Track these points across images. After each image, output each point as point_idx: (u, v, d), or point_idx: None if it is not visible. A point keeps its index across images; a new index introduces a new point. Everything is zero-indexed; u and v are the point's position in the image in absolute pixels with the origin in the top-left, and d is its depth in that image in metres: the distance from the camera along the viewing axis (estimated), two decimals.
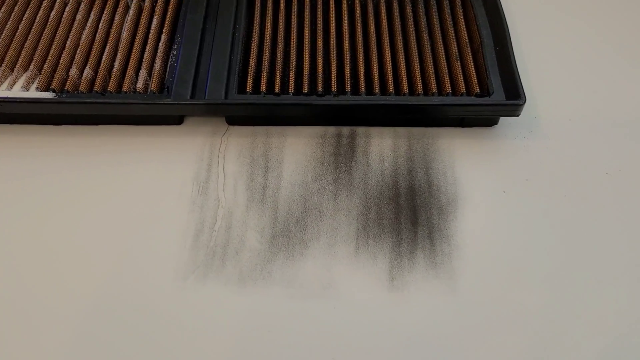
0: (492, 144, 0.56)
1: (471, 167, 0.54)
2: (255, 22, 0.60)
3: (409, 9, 0.62)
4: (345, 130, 0.57)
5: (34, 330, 0.45)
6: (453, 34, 0.60)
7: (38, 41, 0.58)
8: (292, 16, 0.61)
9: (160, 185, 0.52)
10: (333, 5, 0.62)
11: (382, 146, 0.55)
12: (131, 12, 0.61)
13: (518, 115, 0.53)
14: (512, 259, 0.49)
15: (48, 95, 0.53)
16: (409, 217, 0.51)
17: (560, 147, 0.56)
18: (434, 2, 0.63)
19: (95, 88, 0.55)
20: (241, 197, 0.52)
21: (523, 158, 0.55)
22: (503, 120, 0.57)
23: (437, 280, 0.47)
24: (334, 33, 0.60)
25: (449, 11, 0.62)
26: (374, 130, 0.57)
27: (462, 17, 0.61)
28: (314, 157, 0.55)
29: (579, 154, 0.55)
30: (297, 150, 0.55)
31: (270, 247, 0.49)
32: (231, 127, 0.57)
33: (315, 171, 0.54)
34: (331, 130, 0.57)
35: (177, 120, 0.56)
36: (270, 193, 0.52)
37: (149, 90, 0.55)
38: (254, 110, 0.53)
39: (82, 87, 0.54)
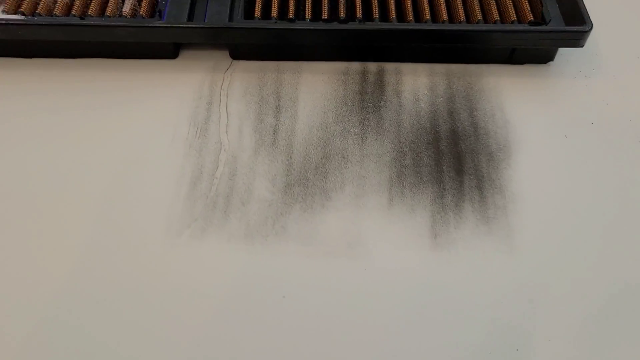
0: (548, 83, 0.47)
1: (525, 108, 0.45)
2: None
3: None
4: (372, 66, 0.47)
5: (16, 286, 0.36)
6: None
7: None
8: None
9: (151, 126, 0.43)
10: None
11: (416, 84, 0.46)
12: None
13: (582, 46, 0.44)
14: (577, 214, 0.40)
15: (16, 17, 0.44)
16: (453, 164, 0.42)
17: (629, 87, 0.46)
18: None
19: (73, 11, 0.45)
20: (248, 140, 0.43)
21: (586, 99, 0.46)
22: (559, 56, 0.48)
23: (490, 237, 0.38)
24: None
25: None
26: (406, 67, 0.47)
27: None
28: (335, 96, 0.45)
29: None
30: (314, 89, 0.46)
31: (284, 198, 0.40)
32: (235, 61, 0.48)
33: (337, 112, 0.44)
34: (355, 66, 0.47)
35: (172, 52, 0.47)
36: (283, 136, 0.43)
37: (137, 14, 0.45)
38: (263, 36, 0.44)
39: (57, 10, 0.45)
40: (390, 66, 0.47)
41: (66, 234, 0.38)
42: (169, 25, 0.43)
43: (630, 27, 0.50)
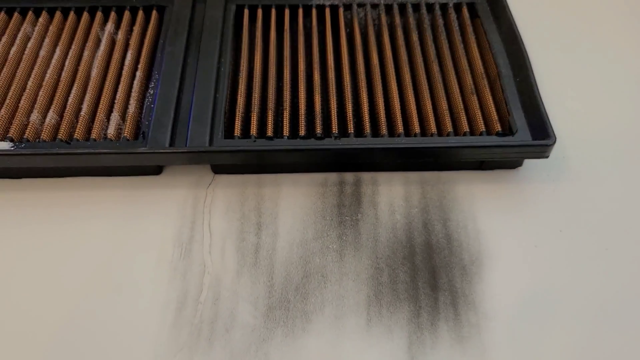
0: (517, 189, 0.49)
1: (495, 217, 0.47)
2: (242, 54, 0.53)
3: (414, 37, 0.55)
4: (349, 176, 0.49)
5: None
6: (466, 64, 0.53)
7: None
8: (285, 47, 0.54)
9: (136, 248, 0.45)
10: (330, 34, 0.56)
11: (391, 195, 0.48)
12: (102, 46, 0.54)
13: (547, 157, 0.46)
14: (550, 327, 0.41)
15: (5, 145, 0.46)
16: (428, 280, 0.44)
17: (595, 190, 0.49)
18: (442, 28, 0.56)
19: (60, 135, 0.47)
20: (231, 261, 0.44)
21: (554, 205, 0.48)
22: (528, 161, 0.50)
23: (464, 357, 0.40)
24: (333, 66, 0.53)
25: (460, 38, 0.55)
26: (382, 176, 0.49)
27: (474, 45, 0.54)
28: (314, 210, 0.47)
29: (617, 197, 0.48)
30: (294, 203, 0.48)
31: (266, 322, 0.41)
32: (217, 175, 0.49)
33: (316, 227, 0.46)
34: (332, 177, 0.49)
35: (156, 170, 0.49)
36: (264, 255, 0.45)
37: (122, 136, 0.47)
38: (244, 158, 0.46)
39: (44, 135, 0.47)
40: (366, 176, 0.49)
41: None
42: (152, 151, 0.45)
43: (594, 126, 0.53)
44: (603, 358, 0.40)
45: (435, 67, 0.53)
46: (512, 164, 0.50)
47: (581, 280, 0.44)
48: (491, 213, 0.47)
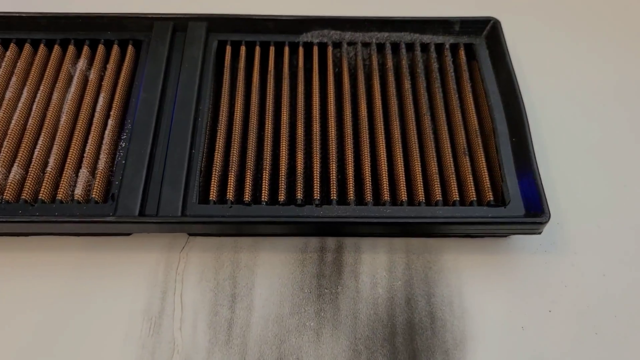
0: (507, 260, 0.46)
1: (482, 294, 0.45)
2: (223, 100, 0.50)
3: (407, 84, 0.52)
4: (330, 242, 0.47)
5: None
6: (460, 118, 0.50)
7: None
8: (268, 92, 0.51)
9: (102, 321, 0.43)
10: (317, 75, 0.52)
11: (374, 264, 0.46)
12: (73, 87, 0.51)
13: (539, 234, 0.44)
14: None
15: None
16: None
17: (588, 263, 0.46)
18: (437, 73, 0.53)
19: (24, 194, 0.44)
20: (202, 338, 0.42)
21: (545, 279, 0.45)
22: None
23: None
24: (318, 117, 0.50)
25: (455, 86, 0.52)
26: (365, 242, 0.47)
27: (470, 95, 0.51)
28: (292, 281, 0.45)
29: (610, 273, 0.46)
30: (271, 271, 0.45)
31: None
32: (192, 237, 0.47)
33: (293, 300, 0.44)
34: (313, 242, 0.47)
35: (126, 232, 0.46)
36: (237, 332, 0.43)
37: (90, 196, 0.45)
38: (219, 228, 0.44)
39: (7, 194, 0.44)
40: (349, 242, 0.47)
41: None
42: (121, 220, 0.42)
43: (591, 191, 0.50)
44: None
45: (427, 122, 0.50)
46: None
47: None
48: (478, 289, 0.45)
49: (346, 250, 0.46)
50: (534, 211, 0.44)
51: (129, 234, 0.46)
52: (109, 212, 0.43)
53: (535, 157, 0.46)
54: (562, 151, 0.52)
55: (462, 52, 0.54)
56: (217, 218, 0.43)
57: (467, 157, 0.48)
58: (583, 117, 0.55)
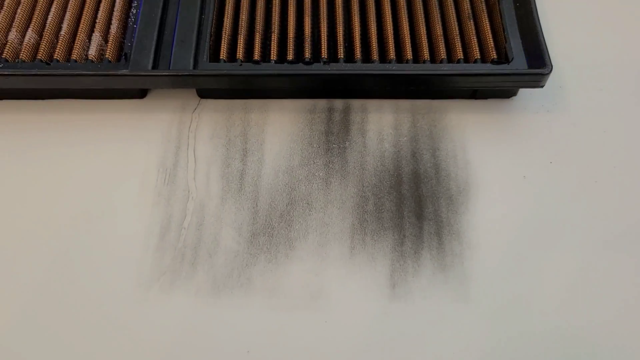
0: (510, 119, 0.47)
1: (485, 148, 0.46)
2: None
3: None
4: (338, 103, 0.48)
5: None
6: None
7: None
8: None
9: (119, 173, 0.44)
10: None
11: (381, 123, 0.47)
12: None
13: (542, 87, 0.45)
14: (533, 259, 0.41)
15: None
16: (413, 209, 0.43)
17: (589, 122, 0.47)
18: None
19: (40, 56, 0.45)
20: (215, 187, 0.44)
21: (546, 136, 0.47)
22: (523, 90, 0.48)
23: (446, 285, 0.40)
24: None
25: None
26: (372, 103, 0.48)
27: None
28: (301, 137, 0.46)
29: (610, 130, 0.47)
30: (281, 129, 0.47)
31: (250, 248, 0.41)
32: (203, 100, 0.48)
33: (302, 154, 0.45)
34: (321, 103, 0.48)
35: (139, 93, 0.48)
36: (249, 181, 0.44)
37: (104, 58, 0.46)
38: (229, 82, 0.45)
39: (23, 55, 0.45)
40: (356, 103, 0.48)
41: (29, 289, 0.40)
42: (134, 73, 0.44)
43: (594, 55, 0.51)
44: (586, 289, 0.40)
45: None
46: (507, 94, 0.48)
47: (568, 213, 0.43)
48: (482, 143, 0.46)
49: (353, 110, 0.48)
50: (537, 65, 0.45)
51: (142, 96, 0.48)
52: (123, 67, 0.44)
53: (538, 18, 0.47)
54: (563, 19, 0.52)
55: None
56: (228, 71, 0.44)
57: (471, 21, 0.48)
58: None
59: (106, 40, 0.47)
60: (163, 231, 0.42)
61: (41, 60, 0.45)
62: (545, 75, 0.44)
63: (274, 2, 0.49)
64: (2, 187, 0.43)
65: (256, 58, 0.46)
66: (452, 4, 0.49)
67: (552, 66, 0.44)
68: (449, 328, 0.39)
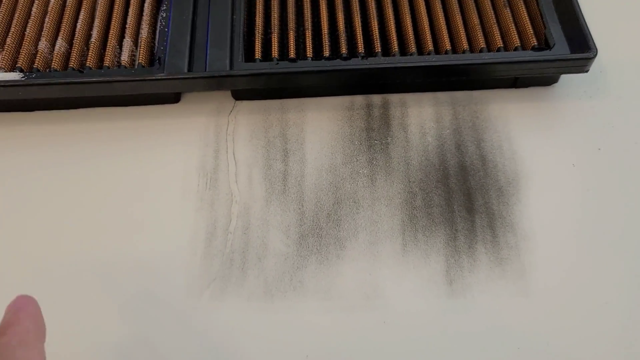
0: (553, 107, 0.46)
1: (531, 136, 0.45)
2: None
3: None
4: (376, 99, 0.47)
5: None
6: None
7: None
8: None
9: (159, 179, 0.43)
10: None
11: (422, 116, 0.46)
12: None
13: (587, 71, 0.44)
14: (591, 247, 0.40)
15: (14, 76, 0.43)
16: (463, 202, 0.42)
17: (635, 106, 0.46)
18: None
19: (71, 64, 0.45)
20: (258, 189, 0.43)
21: (592, 122, 0.46)
22: (563, 76, 0.47)
23: (504, 280, 0.39)
24: None
25: None
26: (411, 97, 0.47)
27: None
28: (342, 135, 0.45)
29: None
30: (320, 127, 0.46)
31: (299, 250, 0.40)
32: (238, 102, 0.47)
33: (344, 152, 0.44)
34: (359, 100, 0.47)
35: (174, 98, 0.47)
36: (292, 182, 0.43)
37: (136, 63, 0.45)
38: (267, 81, 0.44)
39: (54, 64, 0.44)
40: (394, 98, 0.47)
41: (78, 302, 0.39)
42: (170, 77, 0.43)
43: (635, 43, 0.50)
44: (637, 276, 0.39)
45: None
46: (548, 81, 0.47)
47: (620, 199, 0.42)
48: (526, 132, 0.45)
49: (392, 105, 0.47)
50: (580, 50, 0.44)
51: (176, 101, 0.47)
52: (158, 71, 0.43)
53: (578, 3, 0.46)
54: (603, 1, 0.51)
55: None
56: (266, 70, 0.43)
57: (507, 8, 0.47)
58: None
59: (137, 45, 0.46)
60: (209, 236, 0.41)
61: (73, 69, 0.44)
62: (590, 59, 0.43)
63: (304, 2, 0.48)
64: (46, 199, 0.42)
65: (292, 56, 0.45)
66: None
67: (597, 50, 0.43)
68: (511, 323, 0.38)
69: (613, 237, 0.41)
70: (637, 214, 0.42)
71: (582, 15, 0.45)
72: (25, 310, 0.27)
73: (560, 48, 0.44)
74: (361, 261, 0.40)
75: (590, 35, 0.44)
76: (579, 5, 0.45)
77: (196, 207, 0.42)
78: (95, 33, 0.46)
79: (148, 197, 0.43)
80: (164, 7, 0.48)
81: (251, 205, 0.42)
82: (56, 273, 0.40)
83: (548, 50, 0.44)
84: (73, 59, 0.45)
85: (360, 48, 0.45)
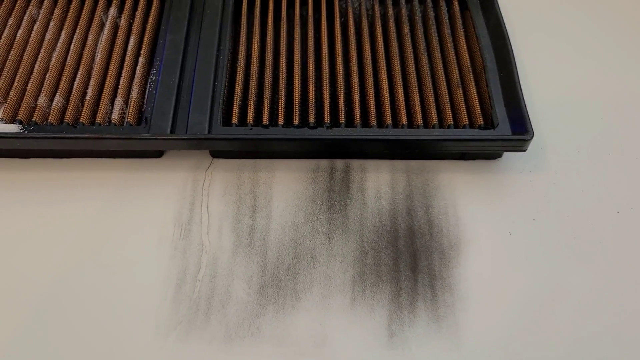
0: (496, 179, 0.52)
1: (474, 205, 0.50)
2: (241, 42, 0.56)
3: (406, 29, 0.58)
4: (339, 163, 0.52)
5: None
6: (454, 57, 0.56)
7: (3, 65, 0.53)
8: (281, 36, 0.57)
9: (138, 227, 0.48)
10: (325, 23, 0.58)
11: (378, 181, 0.51)
12: (106, 30, 0.56)
13: (525, 151, 0.50)
14: (520, 309, 0.45)
15: (14, 128, 0.48)
16: (409, 263, 0.47)
17: (568, 182, 0.52)
18: (433, 21, 0.59)
19: (67, 119, 0.50)
20: (227, 241, 0.48)
21: (529, 194, 0.51)
22: (507, 152, 0.53)
23: (439, 335, 0.44)
24: (326, 56, 0.55)
25: (449, 31, 0.58)
26: (370, 164, 0.53)
27: (463, 38, 0.57)
28: (306, 195, 0.51)
29: (587, 189, 0.52)
30: (287, 187, 0.51)
31: (259, 299, 0.45)
32: (215, 159, 0.52)
33: (307, 211, 0.50)
34: (324, 163, 0.52)
35: (157, 153, 0.52)
36: (258, 236, 0.48)
37: (125, 121, 0.50)
38: (241, 145, 0.49)
39: (51, 118, 0.50)
40: (355, 163, 0.52)
41: (52, 339, 0.43)
42: (155, 137, 0.48)
43: (571, 120, 0.56)
44: (570, 338, 0.44)
45: (424, 60, 0.55)
46: (493, 155, 0.53)
47: (552, 265, 0.47)
48: (471, 201, 0.50)
49: (353, 170, 0.52)
50: (520, 131, 0.49)
51: (159, 156, 0.52)
52: (144, 131, 0.48)
53: (520, 88, 0.52)
54: (544, 88, 0.58)
55: (455, 3, 0.60)
56: (240, 136, 0.48)
57: (460, 89, 0.53)
58: (566, 55, 0.61)
59: (127, 105, 0.52)
60: (179, 282, 0.45)
61: (68, 124, 0.49)
62: (527, 140, 0.49)
63: (280, 69, 0.54)
64: (26, 241, 0.47)
65: (265, 122, 0.50)
66: (443, 73, 0.54)
67: (533, 132, 0.49)
68: None
69: (543, 302, 0.46)
70: (566, 281, 0.47)
71: (524, 99, 0.51)
72: None
73: (503, 128, 0.50)
74: (313, 312, 0.45)
75: (529, 118, 0.49)
76: (521, 91, 0.51)
77: (170, 254, 0.47)
78: (90, 91, 0.52)
79: (127, 242, 0.47)
80: (154, 71, 0.53)
81: (219, 255, 0.47)
82: (32, 306, 0.44)
83: (492, 130, 0.50)
84: (68, 114, 0.50)
85: (327, 118, 0.51)
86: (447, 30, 0.58)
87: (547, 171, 0.53)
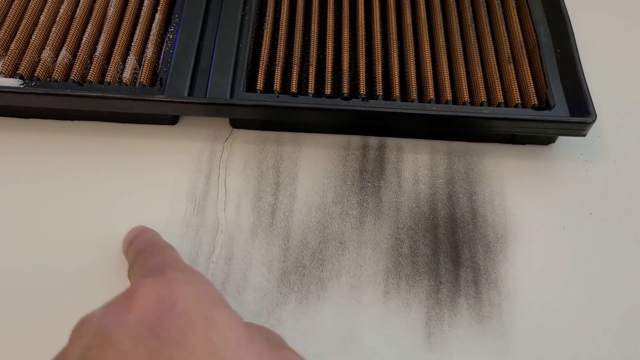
0: (548, 167, 0.46)
1: (524, 194, 0.45)
2: (269, 3, 0.50)
3: None
4: (373, 141, 0.47)
5: None
6: (504, 31, 0.50)
7: (5, 15, 0.48)
8: (313, 3, 0.51)
9: (147, 200, 0.43)
10: None
11: (416, 163, 0.46)
12: None
13: (584, 135, 0.44)
14: (574, 311, 0.40)
15: (14, 82, 0.43)
16: (450, 254, 0.42)
17: (629, 174, 0.46)
18: None
19: (73, 76, 0.44)
20: (246, 220, 0.42)
21: (585, 186, 0.46)
22: (561, 138, 0.48)
23: (483, 338, 0.38)
24: (363, 23, 0.50)
25: (499, 2, 0.52)
26: (407, 143, 0.47)
27: (514, 10, 0.51)
28: (335, 174, 0.45)
29: None
30: (314, 164, 0.45)
31: (280, 287, 0.40)
32: (235, 130, 0.47)
33: (336, 191, 0.44)
34: (356, 140, 0.47)
35: (171, 120, 0.47)
36: (281, 216, 0.43)
37: (137, 82, 0.45)
38: (266, 113, 0.44)
39: (56, 74, 0.44)
40: (391, 141, 0.47)
41: (57, 318, 0.38)
42: (170, 99, 0.43)
43: (634, 110, 0.50)
44: (627, 344, 0.39)
45: (471, 32, 0.50)
46: (545, 140, 0.47)
47: (609, 265, 0.42)
48: (520, 190, 0.45)
49: (388, 149, 0.47)
50: (580, 114, 0.44)
51: (174, 123, 0.47)
52: (158, 92, 0.43)
53: (580, 65, 0.46)
54: (604, 69, 0.52)
55: None
56: (265, 102, 0.43)
57: (511, 65, 0.48)
58: (629, 33, 0.55)
59: (141, 64, 0.46)
60: (191, 263, 0.40)
61: (74, 81, 0.44)
62: (589, 124, 0.43)
63: (312, 34, 0.49)
64: (31, 207, 0.42)
65: (293, 90, 0.45)
66: (492, 47, 0.49)
67: (596, 115, 0.43)
68: None
69: (598, 304, 0.40)
70: (623, 282, 0.41)
71: (585, 78, 0.45)
72: (145, 230, 0.38)
73: (560, 109, 0.45)
74: (341, 304, 0.39)
75: (591, 99, 0.44)
76: (582, 68, 0.46)
77: (181, 232, 0.42)
78: (100, 47, 0.46)
79: (134, 216, 0.42)
80: (172, 29, 0.48)
81: (236, 235, 0.42)
82: (34, 278, 0.39)
83: (548, 111, 0.45)
84: (75, 71, 0.45)
85: (362, 89, 0.45)
86: (496, 1, 0.52)
87: (605, 161, 0.47)
